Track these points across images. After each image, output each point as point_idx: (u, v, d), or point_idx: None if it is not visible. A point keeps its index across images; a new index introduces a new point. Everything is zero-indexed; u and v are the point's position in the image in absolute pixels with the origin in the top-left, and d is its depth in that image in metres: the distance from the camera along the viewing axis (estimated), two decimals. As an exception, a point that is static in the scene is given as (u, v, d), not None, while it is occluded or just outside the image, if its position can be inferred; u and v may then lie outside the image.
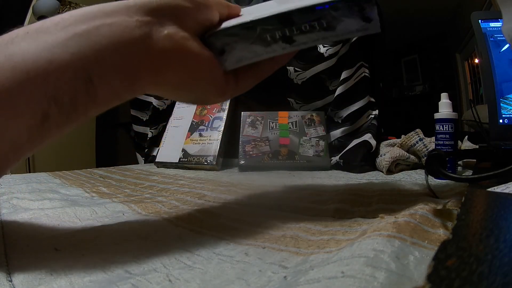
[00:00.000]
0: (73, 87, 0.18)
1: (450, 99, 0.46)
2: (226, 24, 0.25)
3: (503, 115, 0.59)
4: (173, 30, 0.21)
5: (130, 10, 0.20)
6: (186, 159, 0.72)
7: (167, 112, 0.89)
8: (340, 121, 0.69)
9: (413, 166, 0.55)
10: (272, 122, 0.69)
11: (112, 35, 0.18)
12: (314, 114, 0.70)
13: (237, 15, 0.27)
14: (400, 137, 0.59)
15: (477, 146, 0.58)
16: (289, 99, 0.76)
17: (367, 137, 0.62)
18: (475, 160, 0.53)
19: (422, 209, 0.22)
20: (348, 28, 0.24)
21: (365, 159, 0.59)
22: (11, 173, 0.62)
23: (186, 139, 0.76)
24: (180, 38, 0.21)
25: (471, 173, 0.46)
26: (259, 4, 0.29)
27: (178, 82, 0.23)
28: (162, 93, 0.24)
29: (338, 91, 0.68)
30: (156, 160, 0.77)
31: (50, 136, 0.18)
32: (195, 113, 0.80)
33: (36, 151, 0.19)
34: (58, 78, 0.17)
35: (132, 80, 0.20)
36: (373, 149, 0.60)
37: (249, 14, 0.26)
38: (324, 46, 0.71)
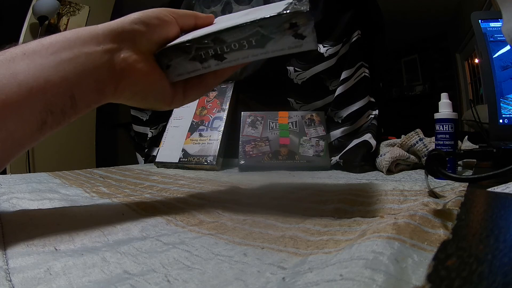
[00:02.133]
0: (62, 102, 0.24)
1: (450, 99, 0.46)
2: (175, 41, 0.28)
3: (503, 115, 0.59)
4: (127, 54, 0.27)
5: (98, 39, 0.26)
6: (186, 159, 0.72)
7: (167, 112, 0.89)
8: (340, 121, 0.68)
9: (413, 166, 0.55)
10: (272, 122, 0.69)
11: (87, 62, 0.25)
12: (314, 114, 0.70)
13: (209, 24, 0.31)
14: (400, 137, 0.59)
15: (477, 146, 0.58)
16: (289, 99, 0.76)
17: (367, 137, 0.62)
18: (475, 160, 0.53)
19: (422, 209, 0.22)
20: (278, 46, 0.24)
21: (365, 159, 0.59)
22: (11, 173, 0.62)
23: (186, 139, 0.76)
24: (133, 61, 0.27)
25: (471, 173, 0.46)
26: (231, 14, 0.32)
27: (133, 94, 0.28)
28: (122, 101, 0.29)
29: (338, 91, 0.68)
30: (156, 160, 0.77)
31: (46, 136, 0.24)
32: (195, 113, 0.80)
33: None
34: (53, 95, 0.23)
35: (101, 94, 0.26)
36: (373, 149, 0.60)
37: (219, 23, 0.29)
38: (324, 46, 0.71)
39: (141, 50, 0.28)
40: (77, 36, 0.25)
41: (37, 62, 0.23)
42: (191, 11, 0.31)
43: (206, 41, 0.26)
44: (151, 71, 0.28)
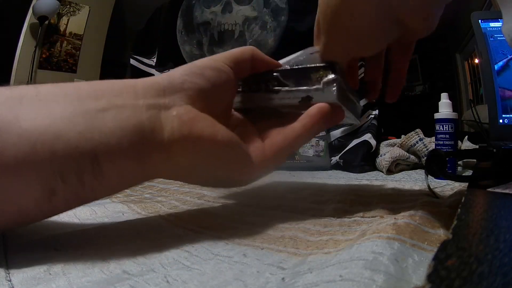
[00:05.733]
0: (79, 166, 0.17)
1: (450, 99, 0.46)
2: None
3: (503, 115, 0.59)
4: (182, 110, 0.20)
5: (137, 92, 0.20)
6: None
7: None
8: (340, 121, 0.68)
9: (413, 166, 0.55)
10: (272, 122, 0.69)
11: (119, 118, 0.18)
12: (314, 114, 0.69)
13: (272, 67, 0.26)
14: (400, 137, 0.59)
15: (477, 146, 0.58)
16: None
17: (367, 137, 0.62)
18: (475, 160, 0.53)
19: (422, 209, 0.22)
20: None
21: (365, 159, 0.59)
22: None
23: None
24: (189, 120, 0.20)
25: (471, 173, 0.46)
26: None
27: (191, 166, 0.21)
28: (179, 179, 0.23)
29: (338, 91, 0.68)
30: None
31: (59, 210, 0.19)
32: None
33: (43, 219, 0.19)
34: (65, 156, 0.17)
35: (142, 164, 0.19)
36: (373, 149, 0.60)
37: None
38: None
39: (199, 106, 0.21)
40: (108, 86, 0.20)
41: (49, 109, 0.18)
42: (248, 55, 0.25)
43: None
44: (217, 134, 0.21)
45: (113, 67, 1.98)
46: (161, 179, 0.23)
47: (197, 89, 0.21)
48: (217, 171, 0.22)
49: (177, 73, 0.21)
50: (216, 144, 0.21)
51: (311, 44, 0.27)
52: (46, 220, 0.20)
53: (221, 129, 0.21)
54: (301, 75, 0.25)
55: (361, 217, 0.24)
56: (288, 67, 0.26)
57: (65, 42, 2.18)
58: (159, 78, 0.21)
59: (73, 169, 0.17)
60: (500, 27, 0.53)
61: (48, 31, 2.08)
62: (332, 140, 0.68)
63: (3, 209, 0.17)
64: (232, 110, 0.27)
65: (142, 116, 0.19)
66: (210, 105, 0.22)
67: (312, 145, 0.65)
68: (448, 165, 0.42)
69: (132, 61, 1.11)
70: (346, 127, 0.67)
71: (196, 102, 0.21)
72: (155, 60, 1.07)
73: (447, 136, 0.45)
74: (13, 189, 0.17)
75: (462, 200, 0.20)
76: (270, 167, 0.24)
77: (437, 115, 0.46)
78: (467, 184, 0.29)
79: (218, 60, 0.23)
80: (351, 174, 0.56)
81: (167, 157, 0.20)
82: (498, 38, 0.60)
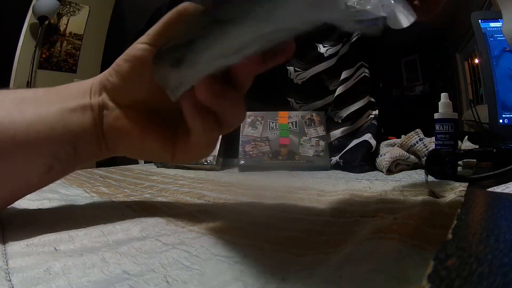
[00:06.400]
0: (66, 150, 0.24)
1: (450, 99, 0.46)
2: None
3: (503, 115, 0.59)
4: (108, 110, 0.25)
5: (90, 93, 0.25)
6: (186, 159, 0.72)
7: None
8: (340, 121, 0.68)
9: (413, 166, 0.55)
10: (272, 122, 0.69)
11: (84, 115, 0.24)
12: (314, 114, 0.69)
13: None
14: (400, 137, 0.59)
15: (477, 146, 0.58)
16: (289, 99, 0.76)
17: (367, 137, 0.62)
18: (475, 160, 0.53)
19: (422, 209, 0.22)
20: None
21: (365, 159, 0.59)
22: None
23: (186, 139, 0.76)
24: (113, 119, 0.25)
25: (471, 173, 0.46)
26: None
27: (125, 151, 0.26)
28: (124, 155, 0.27)
29: (338, 91, 0.68)
30: (156, 160, 0.77)
31: (53, 181, 0.25)
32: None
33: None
34: (58, 142, 0.23)
35: (98, 149, 0.26)
36: (373, 149, 0.60)
37: None
38: (324, 46, 0.71)
39: (122, 104, 0.25)
40: (77, 88, 0.25)
41: (44, 108, 0.23)
42: (161, 21, 0.24)
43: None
44: (135, 127, 0.25)
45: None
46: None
47: (113, 89, 0.25)
48: (145, 155, 0.27)
49: (106, 72, 0.25)
50: (134, 139, 0.25)
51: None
52: (46, 220, 0.21)
53: (136, 126, 0.25)
54: None
55: (361, 217, 0.24)
56: None
57: (65, 42, 2.18)
58: (98, 78, 0.25)
59: (62, 152, 0.23)
60: (500, 27, 0.53)
61: (48, 31, 2.08)
62: (332, 140, 0.68)
63: (13, 183, 0.23)
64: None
65: (94, 113, 0.25)
66: (131, 96, 0.25)
67: (312, 145, 0.65)
68: (448, 165, 0.42)
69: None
70: (346, 127, 0.67)
71: (117, 99, 0.25)
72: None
73: (447, 136, 0.45)
74: (23, 166, 0.22)
75: (462, 200, 0.20)
76: (203, 149, 0.25)
77: (437, 115, 0.46)
78: (467, 184, 0.29)
79: (137, 43, 0.23)
80: (351, 174, 0.56)
81: (107, 145, 0.26)
82: (498, 38, 0.60)
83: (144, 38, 0.24)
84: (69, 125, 0.24)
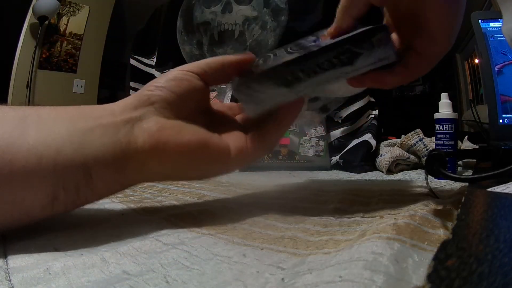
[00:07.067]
0: (76, 178, 0.20)
1: (450, 99, 0.46)
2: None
3: (503, 115, 0.59)
4: (150, 122, 0.23)
5: (114, 112, 0.23)
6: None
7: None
8: (340, 121, 0.69)
9: (413, 166, 0.55)
10: (272, 122, 0.69)
11: (102, 136, 0.21)
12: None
13: (248, 60, 0.27)
14: (400, 137, 0.59)
15: (477, 146, 0.58)
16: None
17: (367, 137, 0.62)
18: (475, 160, 0.53)
19: (422, 209, 0.22)
20: (368, 60, 0.23)
21: (365, 159, 0.59)
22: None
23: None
24: (156, 130, 0.23)
25: (471, 173, 0.46)
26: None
27: (165, 170, 0.24)
28: (157, 181, 0.26)
29: (338, 91, 0.68)
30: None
31: (58, 213, 0.21)
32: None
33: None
34: (65, 167, 0.20)
35: (122, 174, 0.22)
36: (373, 149, 0.60)
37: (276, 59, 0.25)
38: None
39: (167, 115, 0.24)
40: (91, 111, 0.23)
41: (49, 128, 0.20)
42: (216, 58, 0.26)
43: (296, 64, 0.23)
44: (185, 138, 0.23)
45: (113, 67, 1.98)
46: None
47: (161, 101, 0.23)
48: (190, 170, 0.25)
49: (142, 90, 0.24)
50: (183, 148, 0.23)
51: None
52: (46, 220, 0.20)
53: (188, 133, 0.24)
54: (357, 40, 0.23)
55: (361, 217, 0.24)
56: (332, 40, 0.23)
57: (65, 42, 2.18)
58: (131, 97, 0.24)
59: (71, 179, 0.20)
60: (500, 27, 0.53)
61: (48, 31, 2.08)
62: (332, 140, 0.68)
63: (13, 213, 0.19)
64: (213, 106, 0.29)
65: (120, 132, 0.22)
66: (178, 111, 0.24)
67: (312, 145, 0.65)
68: (448, 165, 0.42)
69: (132, 61, 1.11)
70: (346, 127, 0.67)
71: (163, 112, 0.23)
72: (155, 60, 1.07)
73: (447, 136, 0.45)
74: (22, 196, 0.19)
75: (462, 200, 0.20)
76: (251, 158, 0.26)
77: (437, 115, 0.46)
78: (467, 184, 0.29)
79: (181, 69, 0.25)
80: (351, 174, 0.56)
81: (141, 166, 0.23)
82: (498, 38, 0.60)
83: (190, 68, 0.25)
84: (81, 147, 0.20)
